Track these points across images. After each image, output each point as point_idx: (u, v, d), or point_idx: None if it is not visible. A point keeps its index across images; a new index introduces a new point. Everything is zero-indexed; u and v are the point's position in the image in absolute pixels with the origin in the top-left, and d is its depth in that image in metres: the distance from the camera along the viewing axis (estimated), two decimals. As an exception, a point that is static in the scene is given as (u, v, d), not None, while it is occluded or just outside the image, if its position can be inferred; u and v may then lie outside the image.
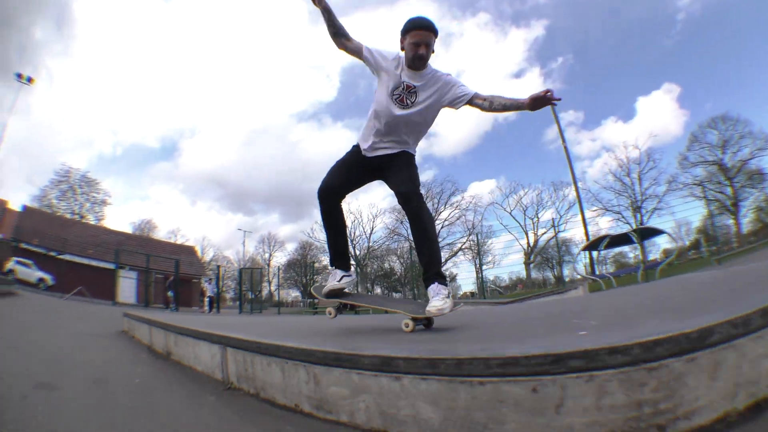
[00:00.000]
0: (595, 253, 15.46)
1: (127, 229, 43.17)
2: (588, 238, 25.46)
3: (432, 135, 63.88)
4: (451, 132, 68.82)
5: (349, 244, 2.52)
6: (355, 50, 2.53)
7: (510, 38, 63.56)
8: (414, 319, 2.21)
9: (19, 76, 24.41)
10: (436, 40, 2.41)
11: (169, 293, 20.28)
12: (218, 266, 37.58)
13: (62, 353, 3.14)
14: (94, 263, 26.28)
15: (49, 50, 61.97)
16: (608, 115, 67.01)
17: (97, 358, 3.05)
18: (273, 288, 47.77)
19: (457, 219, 43.09)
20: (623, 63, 58.42)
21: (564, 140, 27.49)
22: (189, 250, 40.06)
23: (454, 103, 2.51)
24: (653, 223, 34.29)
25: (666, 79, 57.62)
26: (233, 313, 20.11)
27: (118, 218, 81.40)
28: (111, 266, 22.26)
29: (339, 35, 2.51)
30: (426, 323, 2.35)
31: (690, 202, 32.24)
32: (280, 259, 53.45)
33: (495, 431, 1.07)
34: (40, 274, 21.50)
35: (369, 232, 45.53)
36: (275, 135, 72.36)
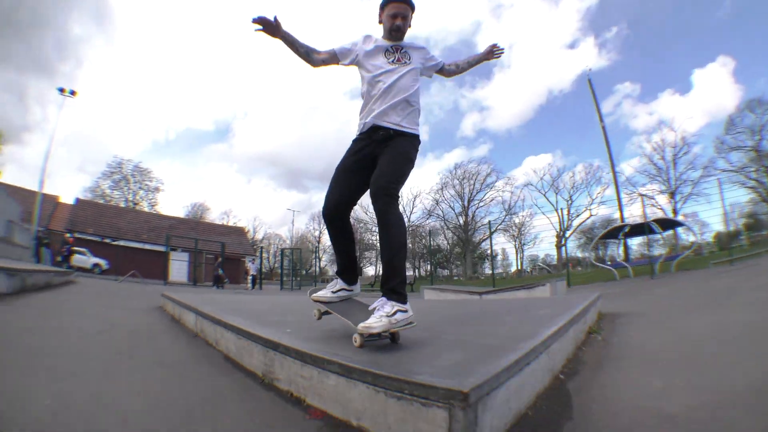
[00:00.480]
0: (644, 237, 15.68)
1: (181, 213, 48.16)
2: (623, 221, 25.81)
3: (485, 109, 63.24)
4: (505, 105, 68.19)
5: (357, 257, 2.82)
6: (330, 59, 2.64)
7: (562, 7, 61.79)
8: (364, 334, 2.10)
9: (62, 90, 25.47)
10: (413, 14, 2.59)
11: (220, 271, 23.18)
12: (261, 248, 41.39)
13: (114, 319, 5.21)
14: (147, 247, 30.07)
15: (90, 44, 67.72)
16: (665, 88, 65.17)
17: (136, 322, 5.09)
18: (323, 264, 51.57)
19: (491, 201, 44.29)
20: (678, 33, 56.86)
21: (602, 119, 27.65)
22: (239, 231, 43.87)
23: (429, 71, 2.79)
24: (691, 208, 34.47)
25: (721, 51, 55.26)
26: (275, 290, 22.52)
27: (173, 202, 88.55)
28: (163, 249, 25.51)
29: (310, 57, 2.60)
30: (391, 337, 2.25)
31: (730, 189, 31.63)
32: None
33: (247, 357, 2.80)
34: (95, 260, 25.05)
35: (409, 212, 47.59)
36: (328, 113, 75.39)
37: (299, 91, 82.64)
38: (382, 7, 2.57)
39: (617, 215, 35.40)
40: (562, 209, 42.06)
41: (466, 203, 45.12)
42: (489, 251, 46.87)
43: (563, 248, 37.06)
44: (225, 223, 51.09)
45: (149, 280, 21.07)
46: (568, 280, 14.38)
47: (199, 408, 1.95)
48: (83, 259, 24.78)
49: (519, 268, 46.21)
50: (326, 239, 55.33)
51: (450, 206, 46.10)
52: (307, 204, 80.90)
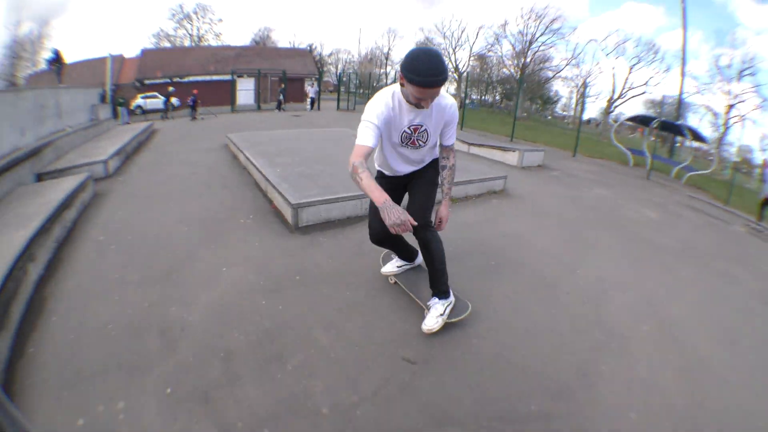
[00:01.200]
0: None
1: (247, 41, 50.28)
2: (680, 103, 24.91)
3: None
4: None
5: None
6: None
7: None
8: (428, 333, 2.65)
9: None
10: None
11: (281, 97, 26.31)
12: (320, 70, 43.28)
13: (196, 160, 8.13)
14: (215, 78, 32.86)
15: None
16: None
17: (210, 160, 7.93)
18: (389, 80, 53.41)
19: (551, 47, 43.68)
20: None
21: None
22: (302, 53, 45.02)
23: (438, 134, 2.47)
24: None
25: None
26: (332, 109, 25.22)
27: (240, 31, 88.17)
28: (230, 78, 28.36)
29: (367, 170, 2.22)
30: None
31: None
32: (400, 50, 57.52)
33: (261, 183, 5.73)
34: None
35: (472, 43, 47.65)
36: None
37: None
38: (408, 78, 2.00)
39: (686, 98, 34.10)
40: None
41: (527, 45, 43.41)
42: (553, 96, 47.33)
43: (610, 114, 37.62)
44: (292, 43, 52.96)
45: (217, 108, 24.51)
46: (575, 150, 14.13)
47: (237, 204, 4.93)
48: (154, 102, 27.72)
49: (583, 118, 46.50)
50: (395, 55, 55.79)
51: (511, 44, 44.84)
52: (377, 11, 77.17)
